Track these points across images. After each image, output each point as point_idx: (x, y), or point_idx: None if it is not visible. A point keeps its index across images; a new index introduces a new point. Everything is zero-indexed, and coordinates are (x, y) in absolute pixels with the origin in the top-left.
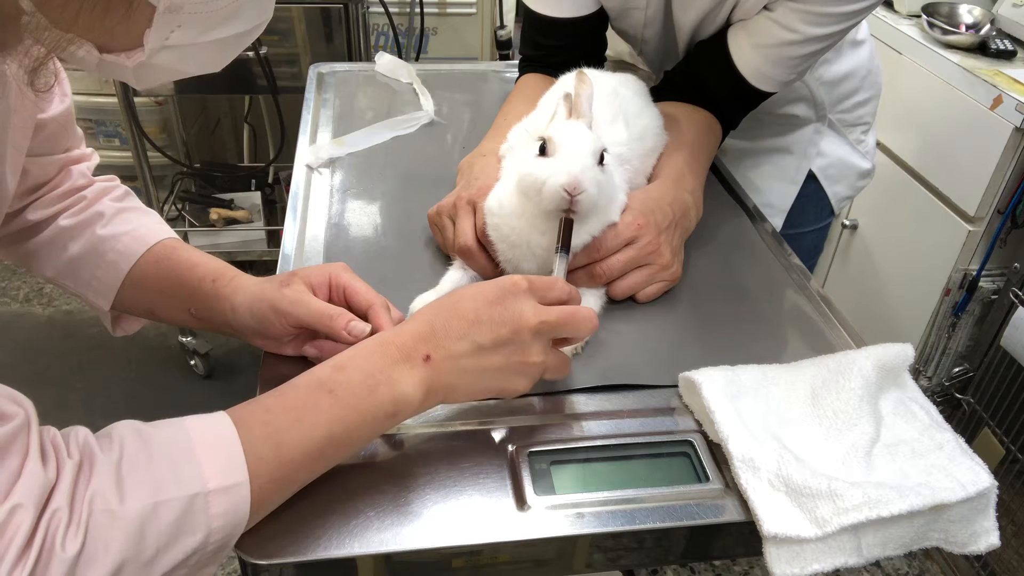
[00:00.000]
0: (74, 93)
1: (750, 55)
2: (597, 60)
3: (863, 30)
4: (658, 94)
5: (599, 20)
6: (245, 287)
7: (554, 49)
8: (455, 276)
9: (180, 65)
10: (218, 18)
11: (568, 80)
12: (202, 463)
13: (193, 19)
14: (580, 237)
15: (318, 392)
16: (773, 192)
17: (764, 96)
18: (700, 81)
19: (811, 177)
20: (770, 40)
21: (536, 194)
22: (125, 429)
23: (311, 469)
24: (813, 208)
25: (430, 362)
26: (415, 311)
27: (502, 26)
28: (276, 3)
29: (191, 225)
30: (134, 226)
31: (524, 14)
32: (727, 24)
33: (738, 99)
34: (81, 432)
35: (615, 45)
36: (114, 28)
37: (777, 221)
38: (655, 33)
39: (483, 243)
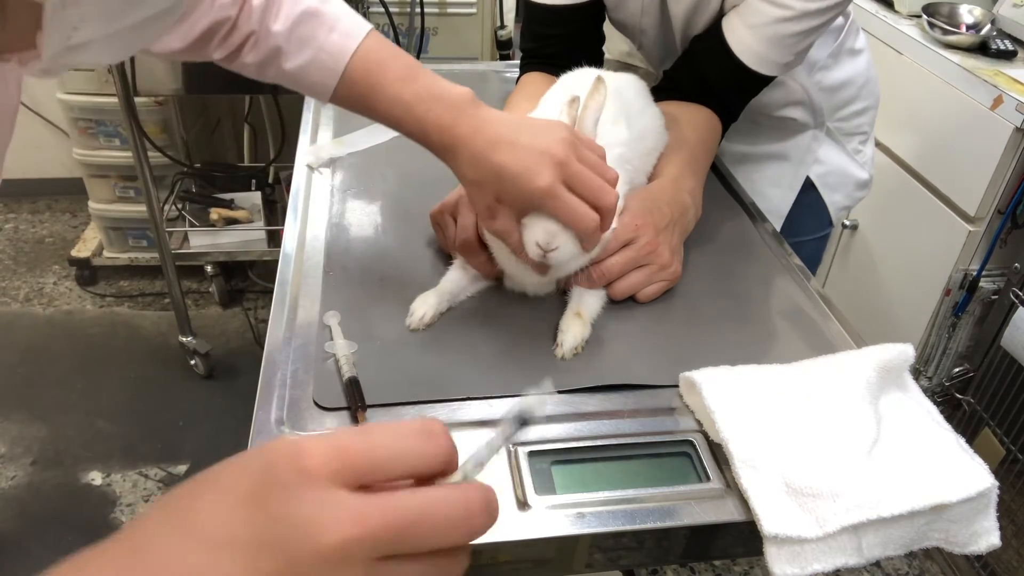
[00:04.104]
0: (74, 93)
1: (745, 37)
2: (595, 53)
3: (861, 39)
4: (658, 93)
5: (595, 9)
6: (450, 164)
7: (552, 38)
8: (455, 276)
9: (97, 59)
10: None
11: (569, 78)
12: None
13: (99, 8)
14: (577, 265)
15: None
16: (771, 198)
17: (763, 81)
18: (699, 72)
19: (810, 186)
20: (763, 19)
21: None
22: None
23: None
24: (812, 218)
25: None
26: (414, 308)
27: (502, 26)
28: None
29: (191, 225)
30: (313, 54)
31: (523, 6)
32: (721, 15)
33: (737, 86)
34: None
35: (616, 45)
36: None
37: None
38: (653, 23)
39: (484, 241)
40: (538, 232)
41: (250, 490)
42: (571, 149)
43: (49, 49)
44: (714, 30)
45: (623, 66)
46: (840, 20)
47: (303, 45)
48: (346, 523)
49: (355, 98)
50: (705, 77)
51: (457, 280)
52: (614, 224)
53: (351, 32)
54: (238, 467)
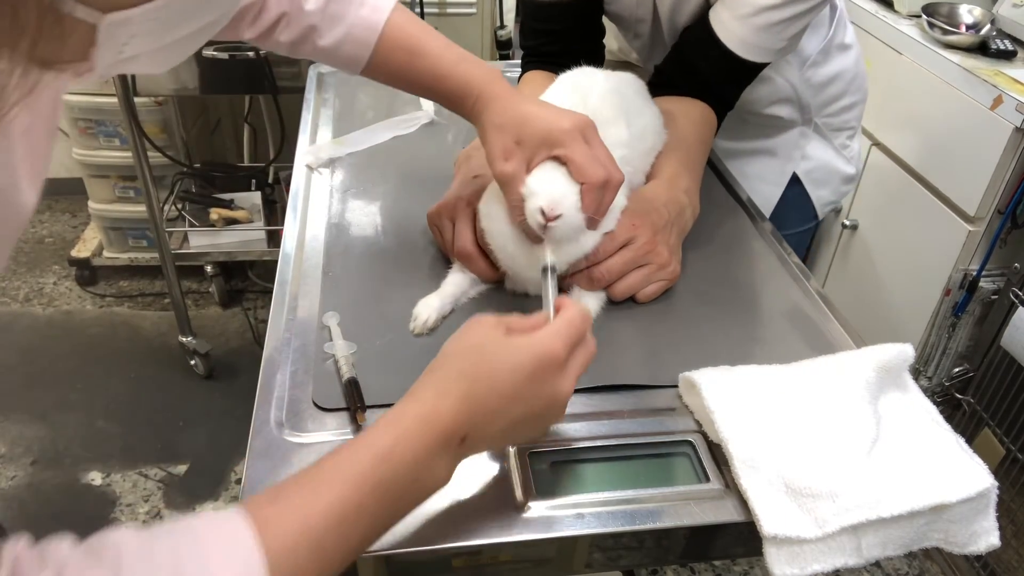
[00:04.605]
0: (73, 93)
1: (733, 26)
2: (596, 48)
3: (850, 34)
4: (651, 88)
5: (592, 4)
6: (479, 116)
7: (550, 34)
8: (457, 278)
9: (146, 69)
10: (177, 18)
11: (568, 77)
12: None
13: (148, 26)
14: (574, 253)
15: (360, 491)
16: (757, 193)
17: (755, 69)
18: (690, 65)
19: (795, 180)
20: (749, 9)
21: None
22: (121, 538)
23: (341, 566)
24: (797, 212)
25: (464, 443)
26: (416, 312)
27: (502, 26)
28: None
29: (191, 225)
30: (346, 29)
31: (521, 4)
32: (708, 5)
33: (729, 76)
34: (62, 547)
35: (607, 43)
36: (39, 47)
37: None
38: (648, 13)
39: (483, 247)
40: (542, 199)
41: (530, 373)
42: (592, 124)
43: (101, 63)
44: (702, 22)
45: (621, 65)
46: (828, 13)
47: (336, 22)
48: (572, 385)
49: (391, 65)
50: (697, 69)
51: (459, 282)
52: (613, 224)
53: (379, 5)
54: (517, 356)
